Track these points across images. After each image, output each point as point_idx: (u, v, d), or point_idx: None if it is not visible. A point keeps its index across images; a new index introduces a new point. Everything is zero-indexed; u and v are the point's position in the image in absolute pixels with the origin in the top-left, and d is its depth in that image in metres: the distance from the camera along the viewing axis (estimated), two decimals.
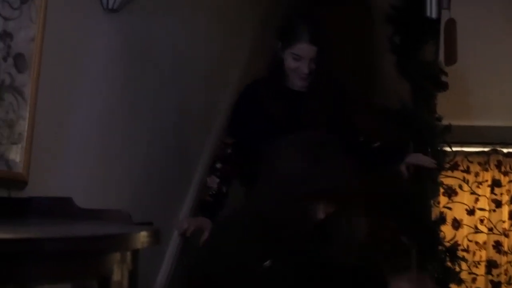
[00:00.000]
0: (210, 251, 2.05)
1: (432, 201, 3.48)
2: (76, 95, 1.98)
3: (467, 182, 4.71)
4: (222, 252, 1.97)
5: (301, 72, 2.52)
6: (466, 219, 4.71)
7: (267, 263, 1.92)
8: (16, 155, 1.62)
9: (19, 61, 1.64)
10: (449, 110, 3.66)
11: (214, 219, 2.45)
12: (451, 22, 3.03)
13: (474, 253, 4.68)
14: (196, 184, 3.00)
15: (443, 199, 4.59)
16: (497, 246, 4.65)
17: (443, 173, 4.12)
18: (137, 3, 2.23)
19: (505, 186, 4.67)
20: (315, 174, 1.91)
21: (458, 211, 4.67)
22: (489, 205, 4.67)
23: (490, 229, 4.67)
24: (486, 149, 4.71)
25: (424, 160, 2.85)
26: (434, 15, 2.79)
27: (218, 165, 2.60)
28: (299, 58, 2.51)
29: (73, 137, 1.96)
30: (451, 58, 3.03)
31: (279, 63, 2.56)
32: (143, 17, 2.42)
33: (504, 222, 4.68)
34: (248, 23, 3.94)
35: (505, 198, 4.67)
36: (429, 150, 3.39)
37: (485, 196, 4.70)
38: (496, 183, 4.67)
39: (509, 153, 4.69)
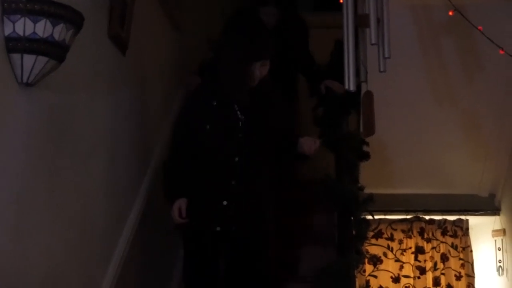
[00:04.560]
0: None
1: (356, 270, 3.50)
2: None
3: (391, 249, 4.77)
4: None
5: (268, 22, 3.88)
6: (391, 286, 4.75)
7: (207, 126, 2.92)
8: None
9: None
10: (372, 179, 3.74)
11: None
12: (369, 94, 3.12)
13: None
14: (112, 277, 2.91)
15: (368, 267, 4.64)
16: None
17: (368, 241, 4.18)
18: (54, 77, 2.19)
19: (428, 253, 4.75)
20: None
21: (383, 279, 4.71)
22: (413, 272, 4.74)
23: None
24: (408, 217, 4.80)
25: (337, 86, 3.66)
26: (352, 88, 2.87)
27: None
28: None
29: None
30: (369, 129, 3.11)
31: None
32: (62, 91, 2.39)
33: None
34: (173, 94, 3.97)
35: (429, 264, 4.74)
36: (352, 219, 3.43)
37: (409, 263, 4.76)
38: (419, 250, 4.74)
39: (431, 220, 4.80)
